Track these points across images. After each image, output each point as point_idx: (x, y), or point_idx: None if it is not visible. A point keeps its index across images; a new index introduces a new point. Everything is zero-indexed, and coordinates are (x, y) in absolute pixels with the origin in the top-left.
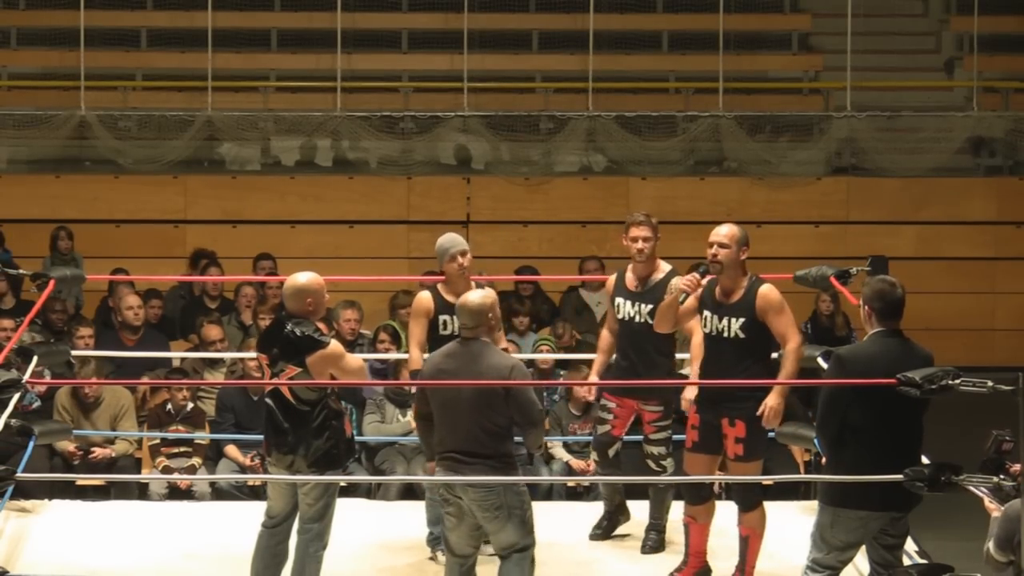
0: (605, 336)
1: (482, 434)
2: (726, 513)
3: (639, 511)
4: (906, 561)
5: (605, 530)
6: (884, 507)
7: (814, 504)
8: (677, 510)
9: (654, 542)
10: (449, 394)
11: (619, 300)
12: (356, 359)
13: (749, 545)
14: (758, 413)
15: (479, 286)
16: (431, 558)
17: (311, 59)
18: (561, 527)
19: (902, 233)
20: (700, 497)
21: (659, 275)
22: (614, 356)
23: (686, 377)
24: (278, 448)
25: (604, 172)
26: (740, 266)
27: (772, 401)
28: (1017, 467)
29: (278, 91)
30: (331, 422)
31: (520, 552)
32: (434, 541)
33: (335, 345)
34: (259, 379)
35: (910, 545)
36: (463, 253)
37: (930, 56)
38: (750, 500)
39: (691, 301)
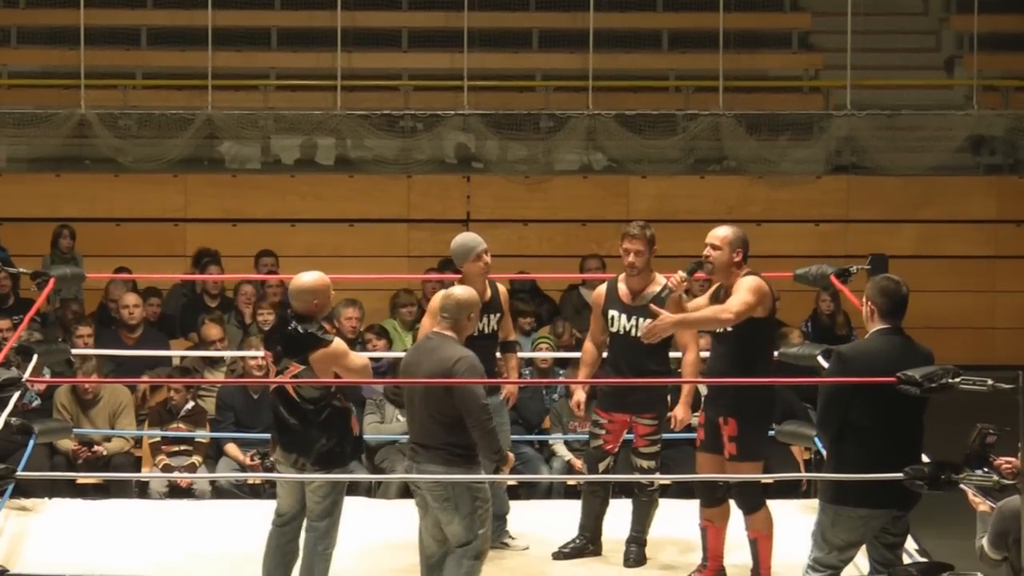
0: (589, 348)
1: (432, 424)
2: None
3: (622, 523)
4: (906, 559)
5: (571, 553)
6: (885, 505)
7: (815, 503)
8: (661, 524)
9: (636, 554)
10: (409, 387)
11: (613, 312)
12: (360, 357)
13: (759, 548)
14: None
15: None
16: None
17: (311, 58)
18: (561, 526)
19: (902, 232)
20: (714, 499)
21: (655, 287)
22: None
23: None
24: (284, 446)
25: (604, 171)
26: (735, 268)
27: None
28: (1001, 461)
29: (278, 90)
30: (336, 420)
31: (462, 547)
32: None
33: (338, 343)
34: (259, 378)
35: (910, 543)
36: (487, 251)
37: (930, 55)
38: (750, 502)
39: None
